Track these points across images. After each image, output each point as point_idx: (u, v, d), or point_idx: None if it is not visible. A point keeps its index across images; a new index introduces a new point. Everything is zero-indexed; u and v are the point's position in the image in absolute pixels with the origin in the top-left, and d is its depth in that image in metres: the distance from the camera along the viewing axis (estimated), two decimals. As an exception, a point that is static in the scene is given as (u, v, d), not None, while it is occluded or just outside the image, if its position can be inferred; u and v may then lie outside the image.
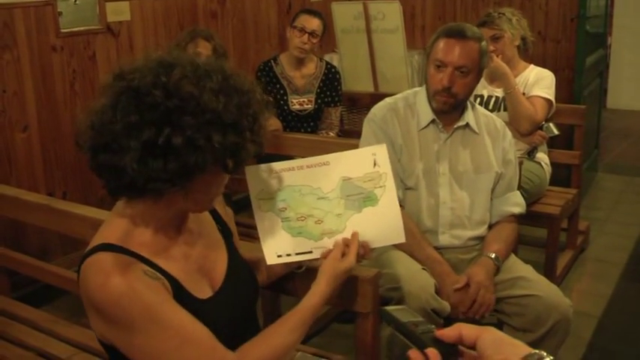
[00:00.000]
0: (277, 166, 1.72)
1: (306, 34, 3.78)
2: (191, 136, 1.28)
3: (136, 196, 1.40)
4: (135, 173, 1.30)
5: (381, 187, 1.73)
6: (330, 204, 1.73)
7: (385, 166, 1.74)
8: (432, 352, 0.94)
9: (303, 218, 1.72)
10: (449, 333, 0.96)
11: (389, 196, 1.74)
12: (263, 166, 1.70)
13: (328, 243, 1.72)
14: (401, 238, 1.78)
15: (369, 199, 1.73)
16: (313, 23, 3.80)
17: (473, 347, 0.94)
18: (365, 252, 1.72)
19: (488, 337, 0.93)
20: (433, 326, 1.00)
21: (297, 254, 1.71)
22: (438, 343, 0.96)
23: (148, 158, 1.29)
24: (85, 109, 1.39)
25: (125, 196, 1.42)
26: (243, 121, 1.36)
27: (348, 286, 1.73)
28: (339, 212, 1.73)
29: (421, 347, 0.96)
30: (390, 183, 1.74)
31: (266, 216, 1.72)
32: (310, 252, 1.72)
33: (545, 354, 0.87)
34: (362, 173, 1.74)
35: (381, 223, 1.74)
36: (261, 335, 1.53)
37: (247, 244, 1.90)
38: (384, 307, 1.09)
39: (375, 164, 1.74)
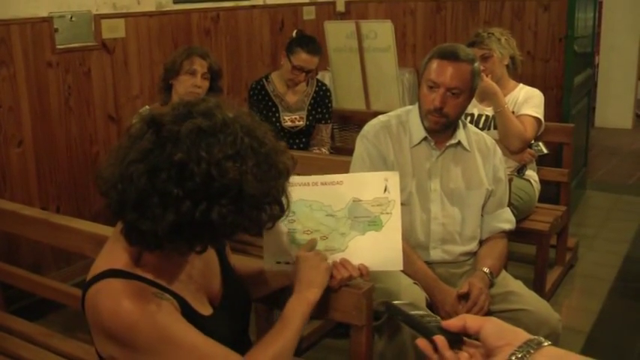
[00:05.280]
0: (293, 179, 1.76)
1: (304, 73, 3.83)
2: (226, 214, 1.30)
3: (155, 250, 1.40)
4: (165, 239, 1.32)
5: (387, 213, 1.78)
6: (337, 222, 1.77)
7: (395, 194, 1.79)
8: (439, 339, 1.00)
9: (309, 232, 1.77)
10: (454, 323, 1.02)
11: (393, 224, 1.79)
12: None
13: (328, 259, 1.76)
14: (398, 266, 1.83)
15: (373, 224, 1.78)
16: (312, 63, 3.81)
17: (476, 337, 0.99)
18: (362, 274, 1.77)
19: (491, 326, 0.99)
20: (438, 317, 1.05)
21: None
22: (444, 332, 1.01)
23: (182, 228, 1.30)
24: (113, 159, 1.36)
25: (144, 248, 1.41)
26: (274, 195, 1.38)
27: (343, 299, 1.77)
28: (344, 231, 1.78)
29: (429, 336, 1.01)
30: (396, 211, 1.78)
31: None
32: None
33: (543, 339, 0.93)
34: (372, 197, 1.78)
35: (381, 248, 1.78)
36: (267, 338, 1.55)
37: (245, 258, 1.93)
38: (392, 302, 1.14)
39: (385, 190, 1.79)
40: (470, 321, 1.00)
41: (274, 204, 1.40)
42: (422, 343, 1.02)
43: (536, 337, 0.94)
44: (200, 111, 1.35)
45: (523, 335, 0.96)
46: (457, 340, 1.02)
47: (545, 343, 0.93)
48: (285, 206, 1.44)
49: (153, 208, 1.29)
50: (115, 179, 1.33)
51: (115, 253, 1.44)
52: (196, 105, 1.38)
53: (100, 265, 1.43)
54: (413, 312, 1.09)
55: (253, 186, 1.31)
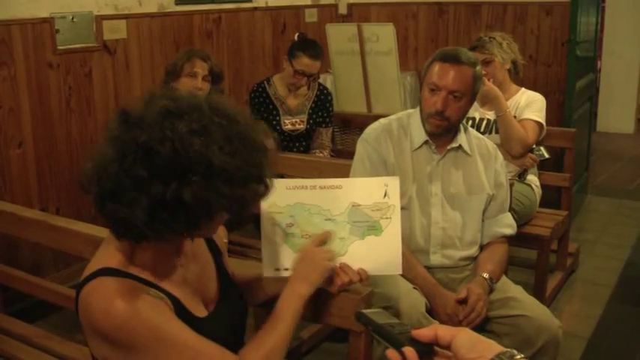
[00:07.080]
0: (292, 182, 1.76)
1: (306, 77, 3.82)
2: (199, 192, 1.29)
3: (143, 241, 1.39)
4: (144, 225, 1.31)
5: (387, 218, 1.77)
6: (336, 227, 1.77)
7: (395, 199, 1.78)
8: (408, 350, 0.98)
9: (307, 236, 1.76)
10: (425, 333, 0.99)
11: (393, 229, 1.78)
12: (279, 180, 1.73)
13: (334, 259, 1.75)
14: (398, 270, 1.82)
15: (373, 228, 1.77)
16: (314, 67, 3.80)
17: (448, 347, 0.97)
18: (361, 279, 1.76)
19: (463, 337, 0.97)
20: (409, 327, 1.03)
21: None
22: (414, 343, 0.99)
23: (158, 211, 1.29)
24: (91, 155, 1.38)
25: (132, 240, 1.40)
26: (251, 171, 1.36)
27: (342, 304, 1.76)
28: (343, 236, 1.77)
29: (398, 347, 0.99)
30: (396, 216, 1.78)
31: (272, 229, 1.76)
32: None
33: (516, 352, 0.91)
34: (371, 202, 1.78)
35: (380, 253, 1.78)
36: (260, 335, 1.55)
37: (242, 261, 1.92)
38: (362, 310, 1.12)
39: (385, 195, 1.78)
40: (441, 331, 0.98)
41: (254, 181, 1.38)
42: (391, 354, 1.00)
43: (509, 349, 0.92)
44: (167, 95, 1.37)
45: (496, 347, 0.94)
46: (428, 350, 0.99)
47: (518, 356, 0.91)
48: (269, 185, 1.42)
49: (128, 194, 1.30)
50: (92, 173, 1.35)
51: (108, 253, 1.44)
52: (166, 93, 1.40)
53: (93, 266, 1.42)
54: (383, 321, 1.06)
55: (223, 160, 1.30)
